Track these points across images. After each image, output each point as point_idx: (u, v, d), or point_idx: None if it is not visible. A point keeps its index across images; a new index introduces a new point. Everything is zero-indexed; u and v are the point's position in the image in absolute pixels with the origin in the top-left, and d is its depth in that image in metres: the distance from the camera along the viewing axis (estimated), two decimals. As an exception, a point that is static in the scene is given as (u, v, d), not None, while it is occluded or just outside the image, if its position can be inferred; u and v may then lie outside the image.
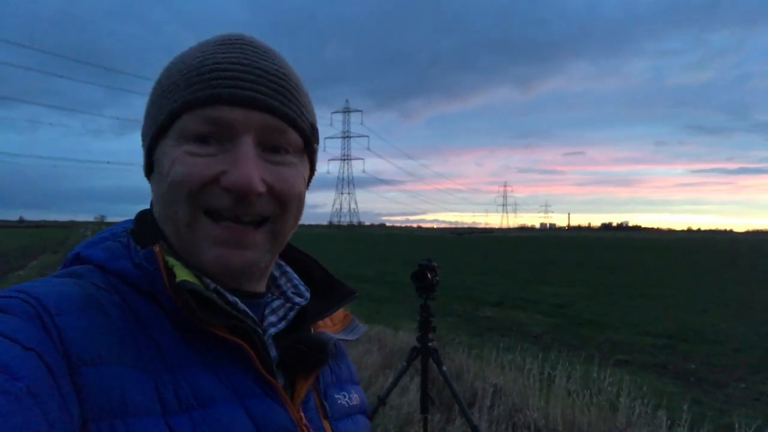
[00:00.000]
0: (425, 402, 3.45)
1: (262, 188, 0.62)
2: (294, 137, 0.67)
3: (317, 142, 0.74)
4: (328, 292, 0.80)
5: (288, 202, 0.66)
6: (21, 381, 0.47)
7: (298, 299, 0.76)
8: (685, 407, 4.27)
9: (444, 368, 3.46)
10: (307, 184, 0.75)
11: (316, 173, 0.77)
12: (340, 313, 0.85)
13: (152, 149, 0.67)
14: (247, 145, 0.63)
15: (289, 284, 0.78)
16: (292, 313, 0.74)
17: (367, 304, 12.01)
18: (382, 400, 3.56)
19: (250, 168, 0.61)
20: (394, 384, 3.67)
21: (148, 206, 0.72)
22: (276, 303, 0.74)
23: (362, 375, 5.48)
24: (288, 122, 0.66)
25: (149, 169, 0.69)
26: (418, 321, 3.48)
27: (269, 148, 0.65)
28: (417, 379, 4.12)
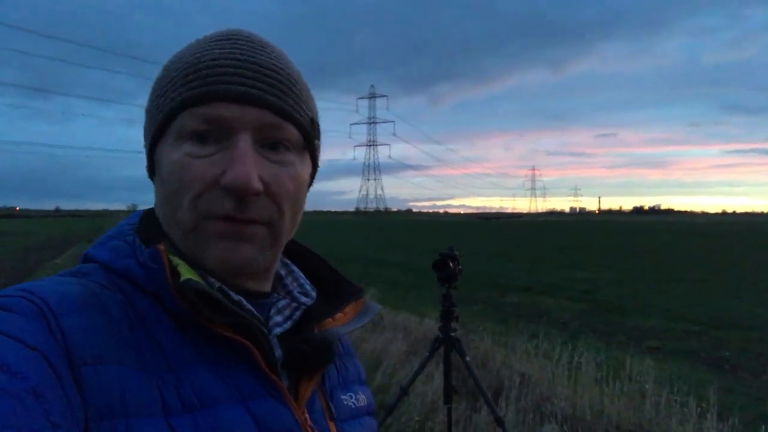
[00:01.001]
0: (449, 393, 3.43)
1: (259, 186, 0.61)
2: (293, 133, 0.66)
3: (318, 137, 0.72)
4: (334, 291, 0.79)
5: (284, 203, 0.65)
6: (25, 381, 0.46)
7: (304, 299, 0.75)
8: (712, 395, 4.17)
9: (468, 359, 3.43)
10: (311, 180, 0.73)
11: (319, 167, 0.76)
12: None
13: (153, 149, 0.67)
14: (244, 143, 0.61)
15: (295, 284, 0.77)
16: (297, 313, 0.73)
17: (393, 291, 12.03)
18: (404, 391, 3.55)
19: (247, 166, 0.60)
20: (417, 374, 3.66)
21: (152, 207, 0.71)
22: (282, 303, 0.73)
23: (387, 363, 5.50)
24: (285, 118, 0.64)
25: (152, 169, 0.68)
26: (440, 310, 3.45)
27: (267, 144, 0.64)
28: (441, 367, 4.11)
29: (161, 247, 0.61)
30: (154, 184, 0.68)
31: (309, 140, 0.69)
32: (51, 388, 0.47)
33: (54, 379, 0.48)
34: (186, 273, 0.60)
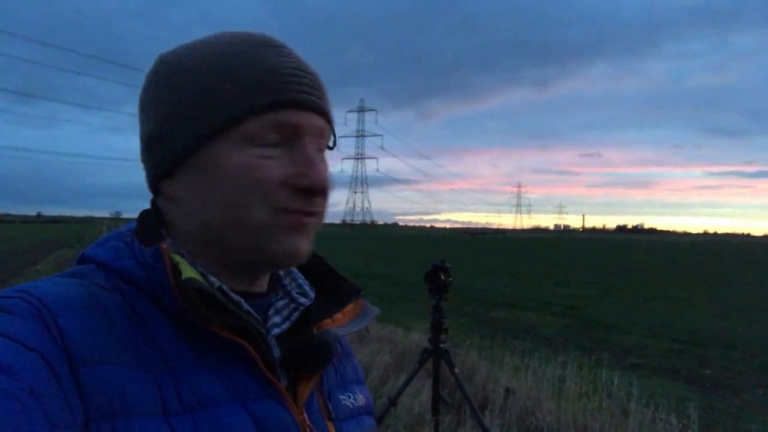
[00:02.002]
0: (437, 404, 3.45)
1: (330, 187, 0.67)
2: (330, 137, 0.71)
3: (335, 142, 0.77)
4: (333, 291, 0.78)
5: (327, 198, 0.69)
6: (23, 382, 0.47)
7: (302, 299, 0.74)
8: (693, 412, 4.22)
9: (456, 370, 3.45)
10: None
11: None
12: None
13: (189, 151, 0.64)
14: (312, 146, 0.66)
15: (293, 284, 0.76)
16: (296, 314, 0.73)
17: (379, 304, 11.78)
18: (392, 402, 3.55)
19: (322, 168, 0.65)
20: (405, 385, 3.66)
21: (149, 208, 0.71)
22: (280, 303, 0.73)
23: (373, 375, 5.48)
24: (329, 123, 0.70)
25: (170, 170, 0.66)
26: (430, 322, 3.47)
27: (317, 148, 0.68)
28: (429, 380, 4.12)
29: (164, 245, 0.62)
30: (168, 185, 0.67)
31: (333, 143, 0.73)
32: (49, 389, 0.48)
33: (52, 379, 0.48)
34: (187, 272, 0.60)
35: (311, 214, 0.66)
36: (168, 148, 0.65)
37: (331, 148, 0.73)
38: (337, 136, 0.75)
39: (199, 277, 0.61)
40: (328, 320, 0.77)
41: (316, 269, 0.80)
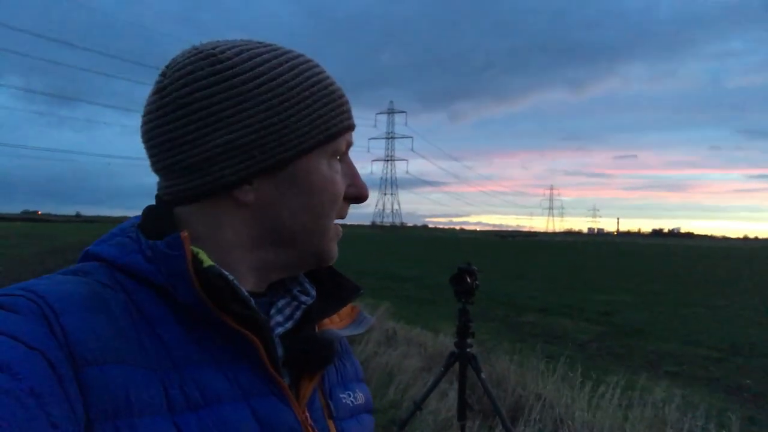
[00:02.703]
0: (463, 409, 3.38)
1: None
2: None
3: None
4: (333, 290, 0.78)
5: None
6: (24, 381, 0.46)
7: (304, 298, 0.75)
8: (734, 421, 4.05)
9: (483, 375, 3.38)
10: None
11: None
12: (347, 307, 0.83)
13: (286, 162, 0.66)
14: (352, 162, 0.75)
15: (294, 282, 0.77)
16: (298, 313, 0.73)
17: (408, 306, 11.96)
18: (417, 406, 3.51)
19: (364, 182, 0.75)
20: (431, 389, 3.62)
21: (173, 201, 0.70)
22: (282, 302, 0.73)
23: (400, 378, 5.44)
24: None
25: (247, 179, 0.65)
26: (456, 325, 3.41)
27: None
28: (456, 385, 4.05)
29: (184, 233, 0.60)
30: (248, 189, 0.66)
31: None
32: (51, 389, 0.47)
33: (54, 379, 0.48)
34: (207, 260, 0.60)
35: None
36: (255, 156, 0.65)
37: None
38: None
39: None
40: (326, 321, 0.78)
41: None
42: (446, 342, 6.85)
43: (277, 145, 0.65)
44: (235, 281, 0.63)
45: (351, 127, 0.73)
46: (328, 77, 0.71)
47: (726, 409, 5.65)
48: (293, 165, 0.67)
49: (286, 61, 0.68)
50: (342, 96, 0.72)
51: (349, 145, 0.73)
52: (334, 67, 0.78)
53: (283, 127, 0.65)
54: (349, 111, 0.73)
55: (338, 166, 0.71)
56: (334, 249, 0.74)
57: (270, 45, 0.70)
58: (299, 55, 0.70)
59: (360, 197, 0.74)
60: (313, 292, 0.76)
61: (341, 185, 0.71)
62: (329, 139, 0.69)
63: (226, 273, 0.62)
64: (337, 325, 0.79)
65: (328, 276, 0.80)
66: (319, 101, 0.68)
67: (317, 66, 0.71)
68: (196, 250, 0.62)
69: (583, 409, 4.51)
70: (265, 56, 0.67)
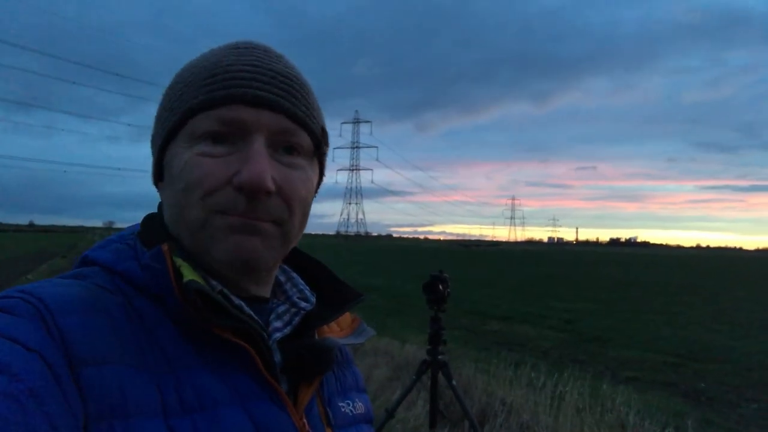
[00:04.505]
0: (434, 416, 3.41)
1: (272, 186, 0.62)
2: (305, 139, 0.67)
3: (327, 145, 0.74)
4: (334, 297, 0.78)
5: (295, 205, 0.66)
6: (23, 383, 0.46)
7: (303, 304, 0.75)
8: (690, 427, 4.19)
9: (454, 382, 3.42)
10: (316, 189, 0.74)
11: (325, 179, 0.77)
12: (347, 317, 0.84)
13: (162, 153, 0.67)
14: (259, 144, 0.63)
15: (294, 289, 0.77)
16: (297, 319, 0.73)
17: (374, 316, 11.95)
18: (390, 414, 3.52)
19: (262, 165, 0.61)
20: (403, 397, 3.63)
21: (155, 211, 0.72)
22: (281, 308, 0.73)
23: (370, 388, 5.44)
24: (299, 124, 0.66)
25: (159, 174, 0.68)
26: (428, 333, 3.44)
27: (281, 148, 0.65)
28: (425, 393, 4.08)
29: (165, 247, 0.62)
30: (160, 189, 0.69)
31: (319, 148, 0.71)
32: (49, 390, 0.47)
33: (52, 380, 0.48)
34: (189, 274, 0.60)
35: (259, 219, 0.63)
36: (153, 153, 0.70)
37: (322, 153, 0.72)
38: (328, 140, 0.74)
39: (201, 280, 0.61)
40: (326, 328, 0.78)
41: (317, 275, 0.81)
42: (414, 351, 6.88)
43: (155, 139, 0.69)
44: (224, 290, 0.63)
45: (206, 105, 0.63)
46: (210, 60, 0.66)
47: (683, 412, 5.83)
48: (168, 153, 0.66)
49: (195, 61, 0.69)
50: (207, 73, 0.64)
51: (236, 122, 0.62)
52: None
53: (160, 118, 0.69)
54: (212, 84, 0.63)
55: (212, 150, 0.62)
56: (229, 246, 0.62)
57: (221, 46, 0.70)
58: (221, 48, 0.69)
59: (242, 186, 0.60)
60: (313, 299, 0.76)
61: (209, 170, 0.61)
62: (183, 119, 0.64)
63: (214, 284, 0.63)
64: (337, 334, 0.79)
65: (329, 283, 0.80)
66: (180, 86, 0.67)
67: (220, 52, 0.67)
68: (179, 262, 0.62)
69: (547, 413, 4.60)
70: (188, 62, 0.70)
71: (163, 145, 0.67)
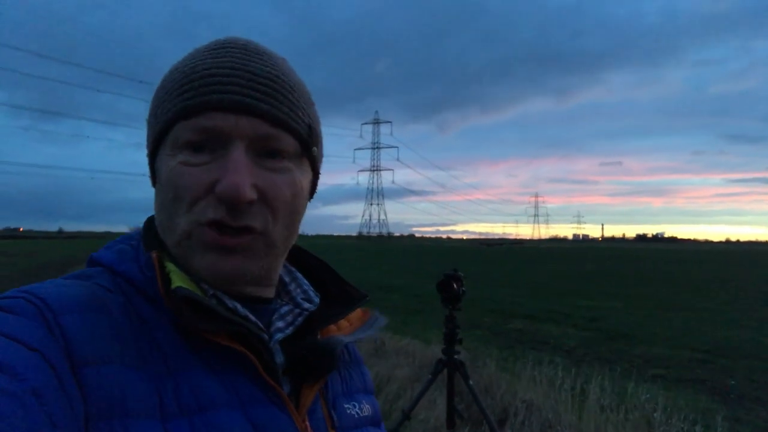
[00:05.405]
0: (451, 417, 3.39)
1: (252, 195, 0.61)
2: (288, 141, 0.65)
3: (317, 144, 0.71)
4: (339, 297, 0.78)
5: (279, 210, 0.64)
6: (25, 382, 0.47)
7: (307, 305, 0.74)
8: (720, 424, 4.10)
9: (471, 382, 3.39)
10: (312, 190, 0.73)
11: (324, 179, 0.77)
12: (357, 311, 0.82)
13: (153, 158, 0.68)
14: (238, 152, 0.61)
15: (299, 290, 0.77)
16: (300, 319, 0.72)
17: (396, 316, 11.93)
18: (406, 415, 3.51)
19: (239, 175, 0.60)
20: (419, 397, 3.62)
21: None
22: (284, 309, 0.73)
23: (391, 388, 5.44)
24: (280, 126, 0.64)
25: (154, 177, 0.69)
26: (443, 332, 3.43)
27: (264, 153, 0.64)
28: (444, 393, 4.05)
29: (154, 254, 0.63)
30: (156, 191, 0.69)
31: (306, 148, 0.69)
32: (51, 389, 0.48)
33: (54, 379, 0.49)
34: (177, 281, 0.60)
35: (241, 229, 0.61)
36: (147, 156, 0.70)
37: (310, 155, 0.70)
38: (318, 140, 0.72)
39: (190, 286, 0.60)
40: (333, 327, 0.77)
41: (322, 276, 0.81)
42: (436, 351, 6.84)
43: (148, 142, 0.69)
44: (217, 293, 0.64)
45: (182, 114, 0.62)
46: (188, 64, 0.65)
47: (712, 410, 5.71)
48: (157, 159, 0.66)
49: (177, 64, 0.68)
50: (191, 80, 0.63)
51: (212, 130, 0.61)
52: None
53: (148, 123, 0.69)
54: (188, 91, 0.62)
55: (193, 159, 0.62)
56: (207, 264, 0.62)
57: (202, 46, 0.69)
58: (199, 49, 0.68)
59: (221, 196, 0.60)
60: (317, 300, 0.76)
61: (191, 179, 0.61)
62: (165, 128, 0.64)
63: (202, 291, 0.63)
64: (344, 330, 0.78)
65: (333, 283, 0.80)
66: (162, 94, 0.66)
67: (198, 54, 0.66)
68: (170, 268, 0.62)
69: (569, 412, 4.54)
70: (173, 66, 0.69)
71: (152, 151, 0.68)
